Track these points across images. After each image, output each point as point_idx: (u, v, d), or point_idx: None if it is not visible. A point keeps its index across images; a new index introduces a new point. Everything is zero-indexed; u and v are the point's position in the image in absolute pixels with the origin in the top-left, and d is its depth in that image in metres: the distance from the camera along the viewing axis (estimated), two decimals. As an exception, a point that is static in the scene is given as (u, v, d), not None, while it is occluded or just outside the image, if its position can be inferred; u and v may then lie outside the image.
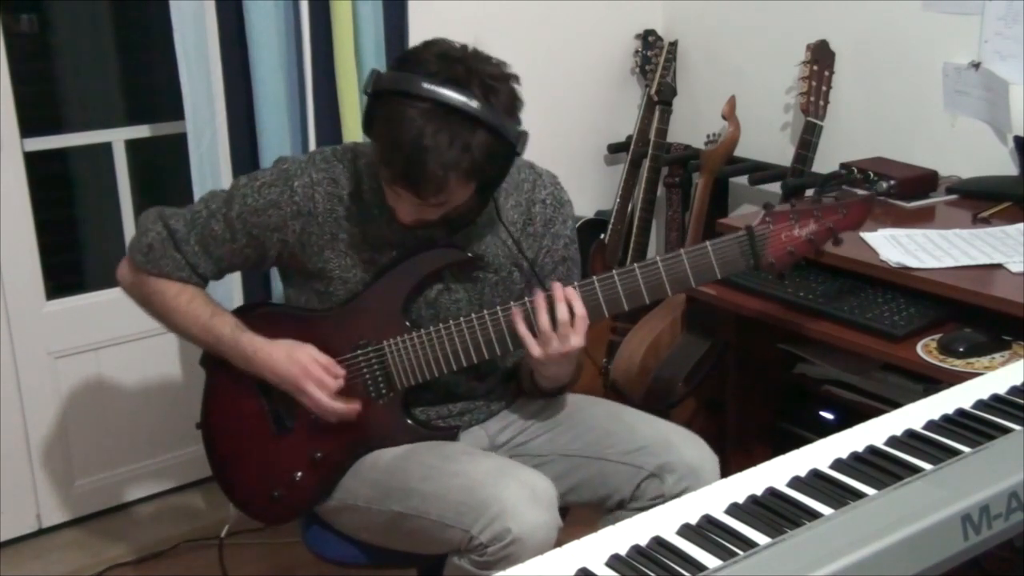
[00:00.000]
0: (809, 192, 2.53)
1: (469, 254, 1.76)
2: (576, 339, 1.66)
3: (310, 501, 1.84)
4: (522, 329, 1.68)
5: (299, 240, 1.75)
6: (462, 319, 1.72)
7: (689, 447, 1.75)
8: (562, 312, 1.65)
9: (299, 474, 1.82)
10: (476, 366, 1.78)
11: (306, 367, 1.73)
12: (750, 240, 1.70)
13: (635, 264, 1.69)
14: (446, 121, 1.53)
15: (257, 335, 1.78)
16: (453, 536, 1.63)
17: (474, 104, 1.54)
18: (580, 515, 1.84)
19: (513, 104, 1.61)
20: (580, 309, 1.66)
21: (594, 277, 1.70)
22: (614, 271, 1.70)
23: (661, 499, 1.68)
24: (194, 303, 1.81)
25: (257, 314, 1.86)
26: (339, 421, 1.78)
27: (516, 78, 1.62)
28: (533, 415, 1.89)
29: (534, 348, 1.68)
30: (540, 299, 1.67)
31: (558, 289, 1.67)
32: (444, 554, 1.69)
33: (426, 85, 1.53)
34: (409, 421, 1.81)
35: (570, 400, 1.91)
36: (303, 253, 1.76)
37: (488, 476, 1.64)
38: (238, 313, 1.85)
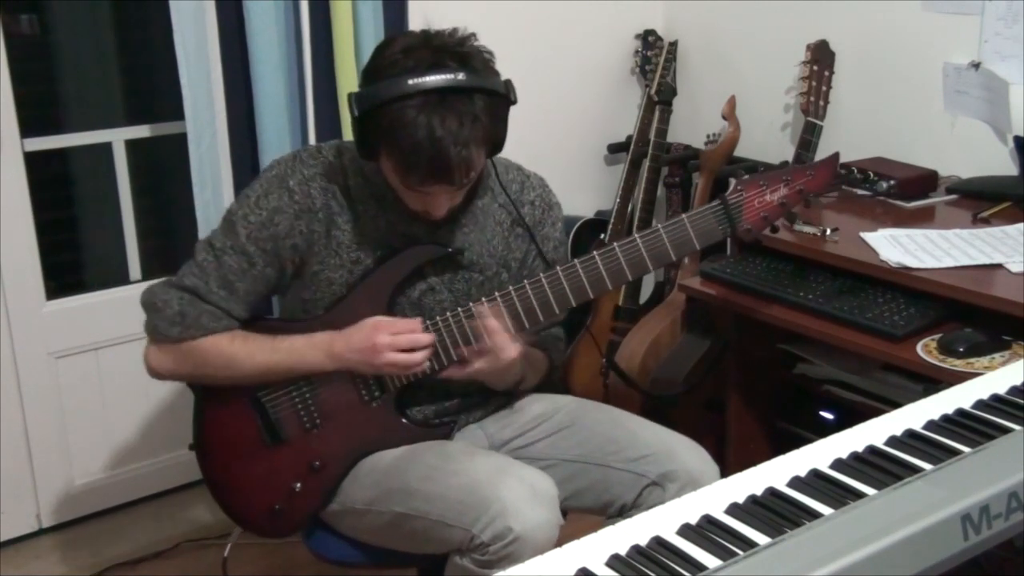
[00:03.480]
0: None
1: (449, 248, 1.76)
2: (505, 353, 1.70)
3: (312, 510, 1.84)
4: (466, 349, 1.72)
5: (306, 240, 1.73)
6: (448, 313, 1.73)
7: (691, 456, 1.75)
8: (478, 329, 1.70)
9: (298, 485, 1.80)
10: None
11: (375, 344, 1.70)
12: (724, 209, 1.73)
13: (615, 243, 1.70)
14: (444, 104, 1.54)
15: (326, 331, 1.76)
16: (454, 536, 1.63)
17: (460, 76, 1.55)
18: (581, 514, 1.83)
19: (487, 59, 1.63)
20: (492, 324, 1.69)
21: (576, 260, 1.71)
22: (595, 252, 1.71)
23: None
24: (248, 340, 1.75)
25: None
26: (353, 419, 1.78)
27: (474, 35, 1.64)
28: (534, 418, 1.89)
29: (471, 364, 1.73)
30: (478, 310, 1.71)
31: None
32: (445, 554, 1.69)
33: (411, 81, 1.54)
34: (404, 421, 1.81)
35: (573, 405, 1.91)
36: (309, 253, 1.75)
37: (488, 475, 1.65)
38: None
